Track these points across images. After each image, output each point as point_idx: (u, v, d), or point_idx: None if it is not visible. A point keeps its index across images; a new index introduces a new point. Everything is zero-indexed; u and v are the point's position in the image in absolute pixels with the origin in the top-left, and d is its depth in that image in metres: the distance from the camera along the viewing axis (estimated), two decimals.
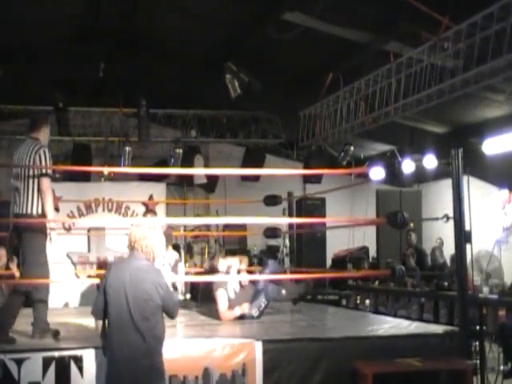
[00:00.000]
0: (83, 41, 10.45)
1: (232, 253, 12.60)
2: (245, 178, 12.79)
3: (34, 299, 5.46)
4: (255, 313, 6.54)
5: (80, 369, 4.67)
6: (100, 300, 4.22)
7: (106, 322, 4.21)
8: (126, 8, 9.29)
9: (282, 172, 11.12)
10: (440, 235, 10.55)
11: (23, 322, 5.87)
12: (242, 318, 6.53)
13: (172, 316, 4.35)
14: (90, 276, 9.50)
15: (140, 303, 4.11)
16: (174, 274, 7.06)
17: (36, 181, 5.43)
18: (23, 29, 9.53)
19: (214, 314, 6.82)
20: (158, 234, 4.34)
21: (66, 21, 9.64)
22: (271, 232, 9.20)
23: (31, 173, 5.43)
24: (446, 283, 8.77)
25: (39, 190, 5.41)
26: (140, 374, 4.07)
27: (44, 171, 5.43)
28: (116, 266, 4.38)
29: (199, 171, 11.92)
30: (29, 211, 5.42)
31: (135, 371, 4.06)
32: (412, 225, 10.46)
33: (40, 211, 5.42)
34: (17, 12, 8.94)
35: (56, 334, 5.34)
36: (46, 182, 5.42)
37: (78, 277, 9.80)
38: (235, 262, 6.89)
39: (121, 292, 4.13)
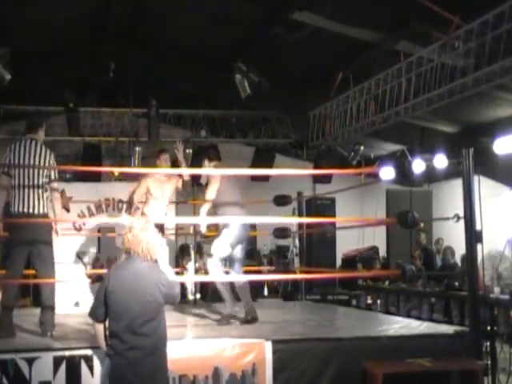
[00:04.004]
0: (94, 41, 10.48)
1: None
2: (254, 178, 12.77)
3: (48, 297, 5.58)
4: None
5: (90, 368, 4.69)
6: (100, 304, 4.23)
7: (108, 325, 4.23)
8: (137, 8, 9.32)
9: (291, 172, 11.08)
10: (450, 235, 10.50)
11: (32, 321, 5.90)
12: None
13: (174, 304, 4.51)
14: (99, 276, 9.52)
15: (144, 306, 4.13)
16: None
17: (45, 183, 5.55)
18: (35, 29, 9.57)
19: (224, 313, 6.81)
20: (151, 235, 4.32)
21: (77, 21, 9.68)
22: (281, 232, 9.18)
23: (42, 174, 5.53)
24: (456, 283, 8.73)
25: (47, 191, 5.58)
26: (144, 375, 4.09)
27: (55, 177, 5.62)
28: (116, 271, 4.35)
29: (208, 171, 11.88)
30: (40, 211, 5.53)
31: (140, 372, 4.08)
32: (422, 225, 10.41)
33: (47, 211, 5.58)
34: (29, 12, 8.98)
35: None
36: (56, 187, 5.65)
37: (88, 277, 9.83)
38: None
39: (124, 298, 4.14)
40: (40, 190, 5.53)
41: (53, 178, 5.61)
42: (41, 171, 5.52)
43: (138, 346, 4.09)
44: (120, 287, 4.18)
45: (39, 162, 5.54)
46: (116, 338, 4.14)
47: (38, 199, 5.52)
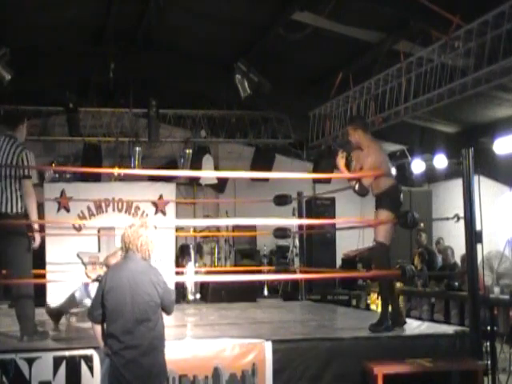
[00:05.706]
0: (95, 41, 10.50)
1: (242, 253, 12.64)
2: (254, 178, 12.79)
3: (18, 299, 5.42)
4: None
5: (90, 368, 4.70)
6: (98, 305, 4.23)
7: (105, 325, 4.22)
8: (138, 8, 9.32)
9: (290, 176, 11.08)
10: (450, 235, 10.49)
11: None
12: None
13: (168, 313, 4.36)
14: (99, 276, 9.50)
15: (141, 306, 4.13)
16: None
17: (18, 181, 5.38)
18: (35, 29, 9.57)
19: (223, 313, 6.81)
20: (150, 231, 4.33)
21: (77, 21, 9.68)
22: (281, 232, 9.17)
23: (13, 173, 5.38)
24: (456, 283, 8.72)
25: (20, 190, 5.39)
26: (142, 374, 4.10)
27: (27, 173, 5.41)
28: (113, 271, 4.35)
29: (208, 173, 11.91)
30: (10, 210, 5.37)
31: (137, 371, 4.08)
32: (422, 225, 10.40)
33: (20, 211, 5.40)
34: (29, 13, 8.98)
35: (45, 336, 5.34)
36: (29, 185, 5.41)
37: (88, 277, 9.83)
38: None
39: (121, 297, 4.14)
40: (10, 189, 5.37)
41: (24, 175, 5.40)
42: (10, 169, 5.37)
43: (134, 346, 4.09)
44: (117, 287, 4.17)
45: (7, 159, 5.37)
46: (113, 337, 4.14)
47: (6, 198, 5.36)
